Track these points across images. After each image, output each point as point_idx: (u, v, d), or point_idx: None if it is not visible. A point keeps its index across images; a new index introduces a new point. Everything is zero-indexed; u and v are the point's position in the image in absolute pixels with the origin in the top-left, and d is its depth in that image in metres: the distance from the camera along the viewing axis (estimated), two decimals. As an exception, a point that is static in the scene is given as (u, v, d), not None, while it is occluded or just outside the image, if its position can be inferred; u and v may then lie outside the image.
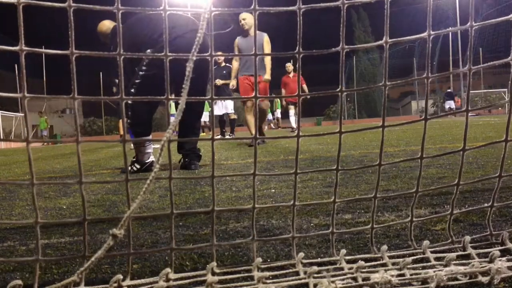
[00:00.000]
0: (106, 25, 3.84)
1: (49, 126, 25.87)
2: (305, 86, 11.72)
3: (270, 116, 22.02)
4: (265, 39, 6.43)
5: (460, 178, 1.04)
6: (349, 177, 2.45)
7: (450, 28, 1.03)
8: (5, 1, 0.80)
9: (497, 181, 1.07)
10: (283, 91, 12.06)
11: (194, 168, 3.64)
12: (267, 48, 6.48)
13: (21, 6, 0.78)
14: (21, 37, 0.77)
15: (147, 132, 3.60)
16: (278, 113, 23.49)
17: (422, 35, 0.98)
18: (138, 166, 3.65)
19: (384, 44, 0.95)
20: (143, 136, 3.54)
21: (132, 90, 3.43)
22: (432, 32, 0.97)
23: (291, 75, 12.03)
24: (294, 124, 13.86)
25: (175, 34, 3.40)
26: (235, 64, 6.98)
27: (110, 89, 3.81)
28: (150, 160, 3.66)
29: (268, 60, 6.56)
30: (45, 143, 17.75)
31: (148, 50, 3.40)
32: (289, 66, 12.18)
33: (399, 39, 0.99)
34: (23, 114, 28.91)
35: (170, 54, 0.90)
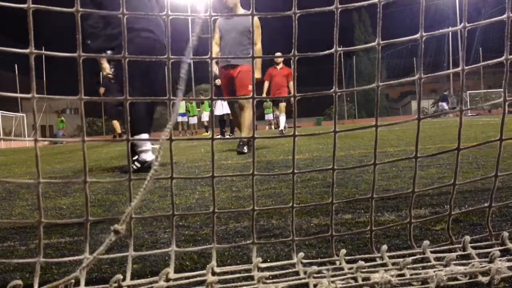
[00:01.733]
0: None
1: (66, 126, 26.04)
2: (290, 84, 10.29)
3: (270, 116, 21.40)
4: (255, 21, 5.00)
5: (456, 178, 1.04)
6: (349, 177, 2.45)
7: (441, 30, 1.05)
8: (16, 6, 0.81)
9: (494, 180, 1.06)
10: (266, 84, 10.42)
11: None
12: (258, 33, 5.13)
13: (31, 10, 0.79)
14: (31, 41, 0.78)
15: (145, 129, 3.63)
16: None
17: (414, 36, 0.99)
18: (138, 165, 3.65)
19: (377, 46, 0.97)
20: (141, 133, 3.58)
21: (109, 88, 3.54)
22: (424, 34, 0.98)
23: (278, 66, 10.53)
24: (282, 126, 11.78)
25: (130, 35, 3.45)
26: (215, 49, 5.26)
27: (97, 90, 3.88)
28: (151, 159, 3.64)
29: (259, 50, 5.19)
30: (54, 143, 17.76)
31: (109, 52, 3.47)
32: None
33: (391, 40, 1.01)
34: (23, 114, 28.91)
35: (172, 57, 0.90)
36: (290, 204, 1.00)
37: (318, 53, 0.98)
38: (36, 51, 0.81)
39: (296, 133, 0.97)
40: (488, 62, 1.02)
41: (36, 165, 0.83)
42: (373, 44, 0.97)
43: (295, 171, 0.99)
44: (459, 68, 1.00)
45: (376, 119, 1.00)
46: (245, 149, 4.95)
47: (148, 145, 3.68)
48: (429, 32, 0.99)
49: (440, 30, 1.04)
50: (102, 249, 0.79)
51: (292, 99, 1.01)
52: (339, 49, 0.95)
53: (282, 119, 11.84)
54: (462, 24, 0.97)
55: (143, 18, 3.79)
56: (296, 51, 0.95)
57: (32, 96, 0.82)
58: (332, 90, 0.98)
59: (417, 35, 0.98)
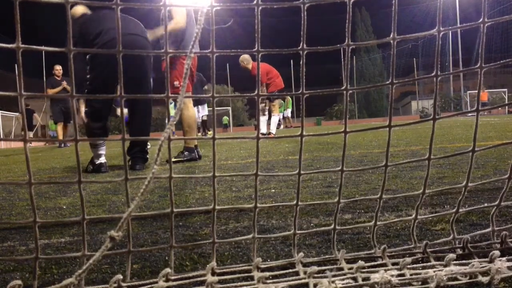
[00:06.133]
0: (79, 11, 3.87)
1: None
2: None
3: (281, 116, 20.14)
4: None
5: (469, 179, 1.03)
6: (349, 177, 2.45)
7: (462, 24, 1.00)
8: None
9: (505, 181, 1.06)
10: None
11: (139, 168, 3.83)
12: (174, 10, 4.12)
13: (17, 2, 0.78)
14: (18, 35, 0.77)
15: (104, 132, 3.83)
16: (288, 112, 23.11)
17: (431, 31, 0.94)
18: (91, 167, 3.86)
19: (392, 41, 0.92)
20: (99, 136, 3.79)
21: (86, 91, 3.64)
22: (442, 29, 0.93)
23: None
24: (273, 128, 10.26)
25: (108, 37, 3.60)
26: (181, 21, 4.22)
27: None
28: (99, 161, 3.83)
29: (174, 25, 4.14)
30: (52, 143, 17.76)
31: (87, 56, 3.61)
32: None
33: (407, 35, 0.95)
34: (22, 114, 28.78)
35: (170, 51, 0.89)
36: (294, 202, 1.00)
37: (328, 47, 0.94)
38: (23, 45, 0.78)
39: (300, 133, 0.96)
40: (508, 60, 0.99)
41: (27, 166, 0.83)
42: (388, 38, 0.92)
43: (301, 172, 0.99)
44: (477, 66, 0.97)
45: (389, 119, 0.96)
46: (182, 156, 4.39)
47: (102, 150, 3.86)
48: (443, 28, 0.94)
49: (458, 26, 1.01)
50: (98, 256, 0.79)
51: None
52: (352, 43, 0.91)
53: (274, 120, 10.43)
54: (482, 19, 0.94)
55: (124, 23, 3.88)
56: (305, 45, 0.90)
57: (19, 94, 0.81)
58: (343, 88, 0.93)
59: (434, 30, 0.93)
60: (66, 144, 12.25)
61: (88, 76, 3.66)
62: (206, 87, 11.39)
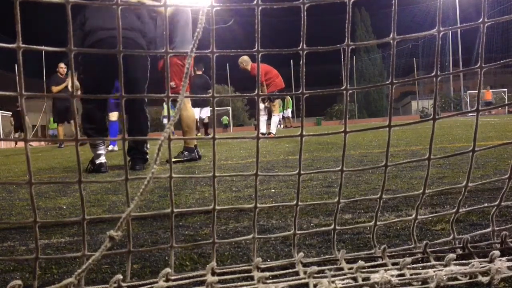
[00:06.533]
0: None
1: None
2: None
3: (280, 116, 20.16)
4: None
5: (469, 179, 1.03)
6: (349, 177, 2.45)
7: (463, 24, 1.00)
8: None
9: (505, 181, 1.06)
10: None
11: (139, 169, 3.81)
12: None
13: (18, 2, 0.78)
14: (18, 35, 0.77)
15: (99, 133, 3.79)
16: (288, 112, 23.08)
17: (431, 31, 0.94)
18: (91, 167, 3.86)
19: (392, 41, 0.92)
20: (96, 136, 3.77)
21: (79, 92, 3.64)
22: (442, 29, 0.92)
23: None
24: (273, 128, 10.20)
25: (94, 38, 3.58)
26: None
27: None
28: (99, 161, 3.83)
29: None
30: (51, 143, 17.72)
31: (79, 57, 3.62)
32: None
33: (407, 35, 0.95)
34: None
35: (171, 51, 0.89)
36: (294, 202, 0.99)
37: (328, 47, 0.93)
38: (23, 45, 0.78)
39: (300, 133, 0.96)
40: (508, 60, 0.98)
41: (27, 166, 0.83)
42: (388, 39, 0.92)
43: (301, 172, 0.98)
44: (477, 66, 0.97)
45: (389, 119, 0.96)
46: (182, 156, 4.40)
47: (100, 150, 3.85)
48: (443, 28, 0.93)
49: (458, 26, 1.00)
50: (98, 255, 0.79)
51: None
52: (351, 43, 0.91)
53: (274, 120, 10.35)
54: (482, 19, 0.94)
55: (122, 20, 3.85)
56: (305, 45, 0.90)
57: (19, 94, 0.81)
58: (343, 88, 0.93)
59: (434, 30, 0.93)
60: None
61: (80, 76, 3.66)
62: (210, 90, 11.29)
